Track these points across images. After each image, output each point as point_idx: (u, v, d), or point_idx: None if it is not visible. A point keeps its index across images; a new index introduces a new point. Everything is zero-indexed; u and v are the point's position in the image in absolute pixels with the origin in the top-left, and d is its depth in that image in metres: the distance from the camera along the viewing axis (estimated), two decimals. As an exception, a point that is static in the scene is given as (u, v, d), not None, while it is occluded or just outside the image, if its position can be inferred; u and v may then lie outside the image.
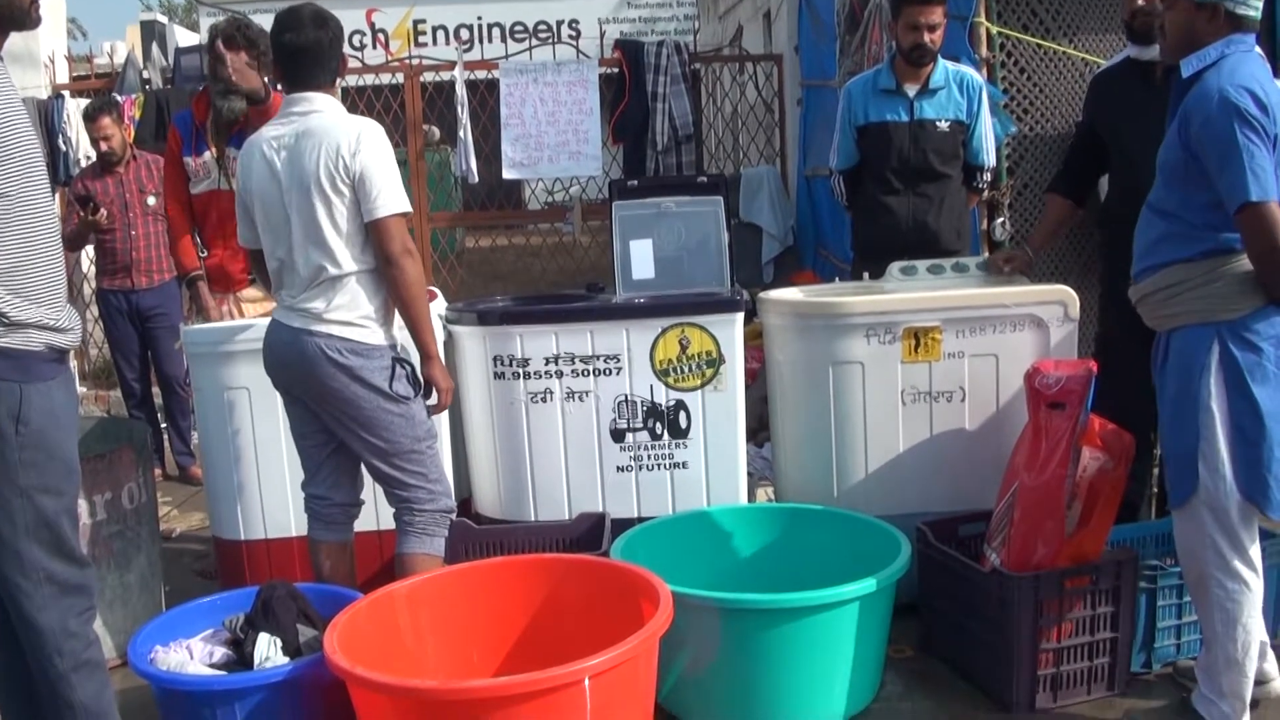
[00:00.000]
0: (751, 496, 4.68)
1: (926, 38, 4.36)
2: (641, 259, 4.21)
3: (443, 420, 3.99)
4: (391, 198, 3.28)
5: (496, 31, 19.14)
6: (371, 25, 19.91)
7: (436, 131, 10.99)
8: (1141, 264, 3.18)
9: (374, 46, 18.77)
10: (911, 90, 4.49)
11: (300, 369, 3.37)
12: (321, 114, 3.34)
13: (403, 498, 3.47)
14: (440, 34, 19.90)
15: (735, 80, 8.77)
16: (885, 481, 3.90)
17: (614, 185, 4.31)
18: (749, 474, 5.32)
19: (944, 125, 4.46)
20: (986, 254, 5.00)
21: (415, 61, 8.26)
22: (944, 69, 4.50)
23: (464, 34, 19.74)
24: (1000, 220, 5.01)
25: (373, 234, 3.30)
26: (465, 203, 11.72)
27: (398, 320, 3.49)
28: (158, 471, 6.22)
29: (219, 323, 4.51)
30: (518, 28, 19.53)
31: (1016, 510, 3.31)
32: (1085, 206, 4.44)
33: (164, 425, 6.49)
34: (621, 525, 3.82)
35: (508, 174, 7.71)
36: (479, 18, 19.87)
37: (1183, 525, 3.12)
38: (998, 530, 3.48)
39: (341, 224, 3.29)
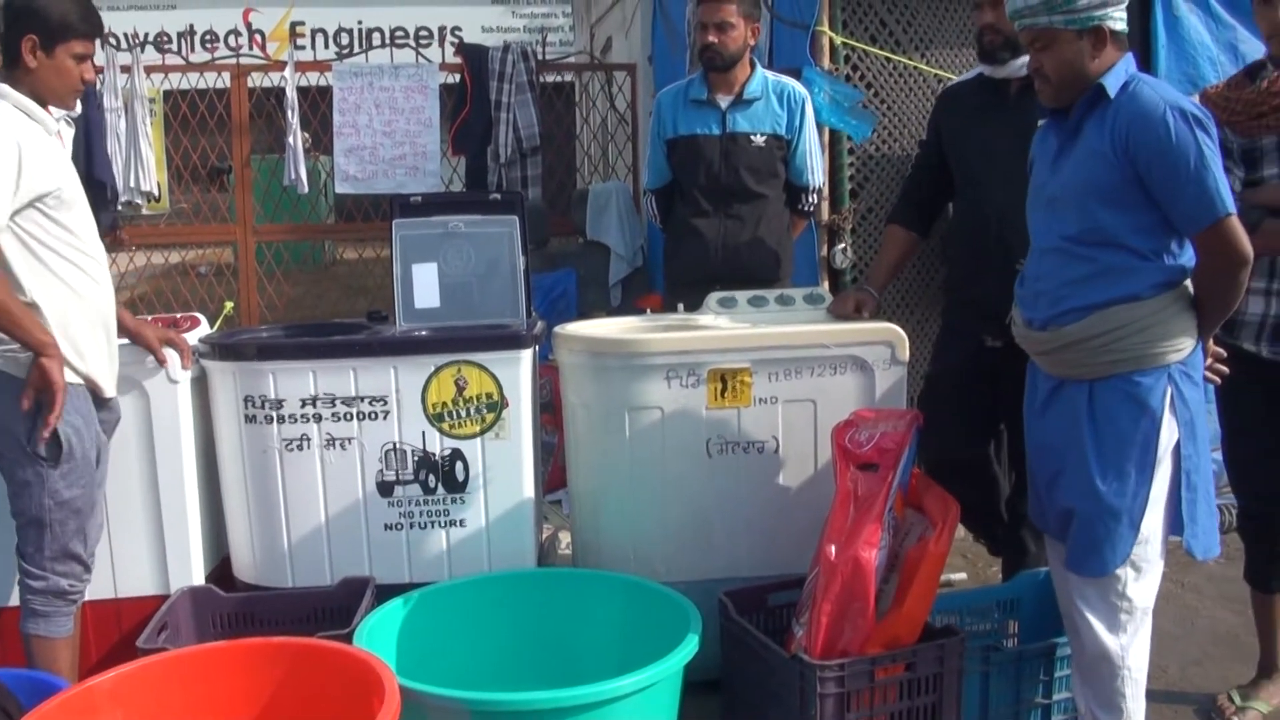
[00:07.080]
0: (548, 549, 4.19)
1: (715, 38, 3.94)
2: (425, 285, 3.68)
3: (183, 467, 3.46)
4: None
5: (377, 36, 18.56)
6: (249, 25, 19.27)
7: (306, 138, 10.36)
8: (1059, 307, 2.77)
9: (250, 48, 18.02)
10: (724, 101, 4.04)
11: None
12: None
13: (20, 567, 3.06)
14: (320, 37, 19.30)
15: (586, 91, 8.29)
16: (688, 542, 3.43)
17: (395, 201, 3.77)
18: (569, 515, 4.84)
19: (759, 140, 4.01)
20: (827, 285, 4.59)
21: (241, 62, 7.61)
22: (762, 78, 4.06)
23: (343, 38, 19.15)
24: (841, 247, 4.59)
25: None
26: (339, 212, 11.11)
27: (90, 357, 2.99)
28: None
29: None
30: (399, 32, 19.01)
31: (818, 588, 2.86)
32: (929, 237, 3.98)
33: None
34: (390, 591, 3.31)
35: (340, 189, 7.13)
36: (359, 21, 19.39)
37: (1100, 592, 2.79)
38: (805, 605, 3.03)
39: None
